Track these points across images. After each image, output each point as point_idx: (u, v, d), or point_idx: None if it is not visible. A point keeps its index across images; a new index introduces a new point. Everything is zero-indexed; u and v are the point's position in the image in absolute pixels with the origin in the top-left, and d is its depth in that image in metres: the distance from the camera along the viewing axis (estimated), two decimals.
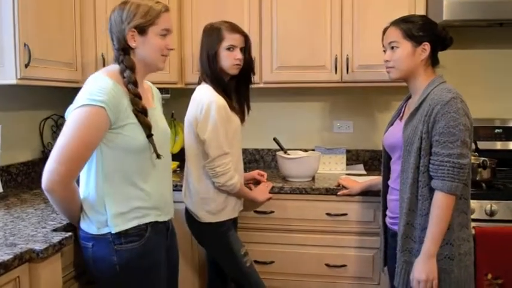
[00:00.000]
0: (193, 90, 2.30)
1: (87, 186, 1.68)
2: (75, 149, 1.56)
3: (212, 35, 2.24)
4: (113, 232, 1.65)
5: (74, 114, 1.59)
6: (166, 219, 1.83)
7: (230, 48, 2.22)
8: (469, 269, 1.89)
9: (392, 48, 1.95)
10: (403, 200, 1.89)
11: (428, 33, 1.92)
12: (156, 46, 1.72)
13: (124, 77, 1.68)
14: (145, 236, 1.70)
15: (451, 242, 1.83)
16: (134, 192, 1.69)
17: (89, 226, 1.68)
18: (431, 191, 1.82)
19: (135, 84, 1.68)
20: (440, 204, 1.78)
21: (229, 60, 2.22)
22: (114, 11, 1.73)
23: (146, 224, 1.72)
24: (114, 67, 1.72)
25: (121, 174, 1.66)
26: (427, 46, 1.91)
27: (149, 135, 1.68)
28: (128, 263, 1.67)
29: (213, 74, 2.23)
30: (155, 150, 1.69)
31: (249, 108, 2.39)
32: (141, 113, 1.66)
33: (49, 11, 2.30)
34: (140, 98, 1.68)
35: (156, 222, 1.76)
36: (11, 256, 1.43)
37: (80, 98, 1.60)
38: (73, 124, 1.58)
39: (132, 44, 1.70)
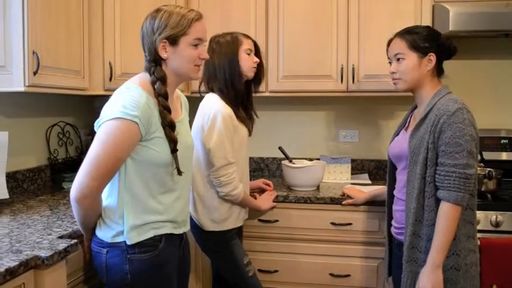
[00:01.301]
0: (199, 98, 2.32)
1: (108, 195, 1.67)
2: (107, 164, 1.55)
3: (228, 41, 2.24)
4: (128, 243, 1.64)
5: (106, 127, 1.56)
6: (181, 231, 1.81)
7: (248, 52, 2.25)
8: (475, 280, 1.88)
9: (398, 59, 1.95)
10: (409, 210, 1.88)
11: (433, 43, 1.92)
12: (188, 57, 1.67)
13: (154, 89, 1.64)
14: (159, 247, 1.69)
15: (458, 253, 1.83)
16: (153, 205, 1.67)
17: (104, 234, 1.67)
18: (438, 201, 1.81)
19: (165, 96, 1.65)
20: (446, 214, 1.77)
21: (249, 63, 2.25)
22: (146, 20, 1.69)
23: (161, 235, 1.70)
24: (146, 76, 1.68)
25: (142, 186, 1.65)
26: (432, 57, 1.92)
27: (174, 151, 1.66)
28: (140, 273, 1.66)
29: (231, 79, 2.22)
30: (177, 167, 1.67)
31: (255, 115, 2.39)
32: (168, 126, 1.64)
33: (57, 19, 2.33)
34: (169, 111, 1.65)
35: (171, 234, 1.74)
36: (17, 263, 1.44)
37: (113, 110, 1.57)
38: (106, 137, 1.55)
39: (163, 55, 1.66)
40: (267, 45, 2.91)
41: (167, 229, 1.72)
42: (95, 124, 1.63)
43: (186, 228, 1.85)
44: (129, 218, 1.63)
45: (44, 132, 2.81)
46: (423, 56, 1.92)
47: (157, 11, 1.68)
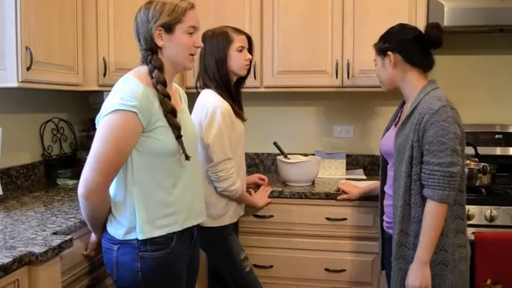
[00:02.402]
0: (194, 94, 2.31)
1: (117, 190, 1.66)
2: (111, 157, 1.54)
3: (219, 39, 2.23)
4: (139, 238, 1.63)
5: (106, 121, 1.56)
6: (195, 223, 1.80)
7: (240, 49, 2.23)
8: (464, 275, 1.89)
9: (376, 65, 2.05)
10: (396, 208, 1.89)
11: (390, 42, 1.96)
12: (183, 44, 1.69)
13: (153, 78, 1.65)
14: (171, 246, 1.68)
15: (445, 248, 1.84)
16: (163, 197, 1.66)
17: (116, 230, 1.66)
18: (424, 198, 1.82)
19: (164, 84, 1.65)
20: (432, 212, 1.78)
21: (240, 61, 2.23)
22: (139, 12, 1.71)
23: (173, 233, 1.69)
24: (143, 69, 1.69)
25: (151, 178, 1.64)
26: (391, 54, 1.94)
27: (178, 137, 1.65)
28: (151, 271, 1.65)
29: (221, 79, 2.22)
30: (184, 152, 1.66)
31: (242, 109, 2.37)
32: (170, 113, 1.64)
33: (51, 15, 2.31)
34: (169, 98, 1.65)
35: (182, 231, 1.73)
36: (11, 259, 1.43)
37: (111, 103, 1.57)
38: (107, 131, 1.55)
39: (159, 42, 1.67)
40: (262, 40, 2.90)
41: (179, 226, 1.71)
42: (96, 120, 1.63)
43: (198, 219, 1.83)
44: (140, 212, 1.63)
45: (38, 128, 2.80)
46: (384, 56, 1.97)
47: (150, 2, 1.70)
